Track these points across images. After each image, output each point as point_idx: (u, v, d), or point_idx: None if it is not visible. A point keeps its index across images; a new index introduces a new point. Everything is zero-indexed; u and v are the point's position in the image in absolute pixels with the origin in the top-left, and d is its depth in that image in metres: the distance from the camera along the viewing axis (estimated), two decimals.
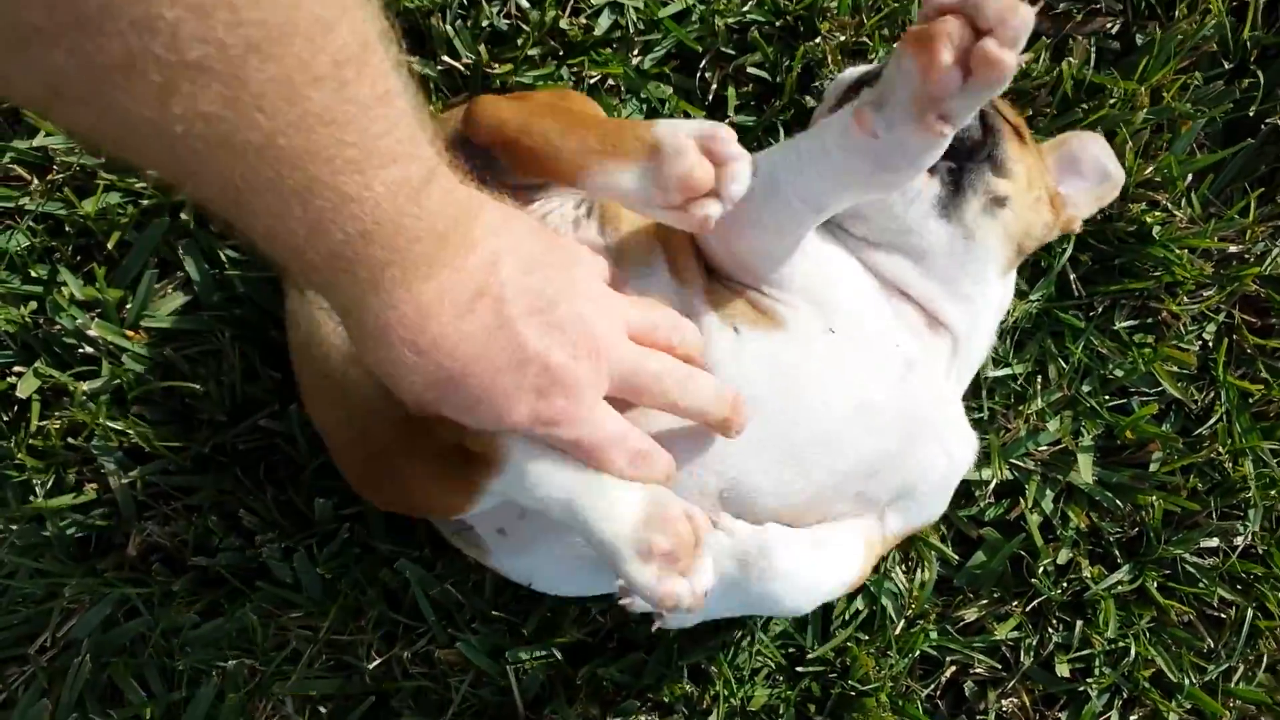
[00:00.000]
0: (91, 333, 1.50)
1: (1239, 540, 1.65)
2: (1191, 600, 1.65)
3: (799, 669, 1.55)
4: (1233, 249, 1.71)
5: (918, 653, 1.57)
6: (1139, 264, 1.67)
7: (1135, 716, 1.63)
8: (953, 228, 1.26)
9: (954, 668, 1.60)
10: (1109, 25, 1.75)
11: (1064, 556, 1.62)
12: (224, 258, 1.54)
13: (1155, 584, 1.63)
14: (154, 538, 1.49)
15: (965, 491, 1.61)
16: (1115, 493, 1.64)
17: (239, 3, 0.66)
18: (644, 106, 1.64)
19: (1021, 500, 1.61)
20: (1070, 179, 1.46)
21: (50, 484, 1.49)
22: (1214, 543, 1.65)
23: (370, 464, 1.25)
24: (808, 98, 1.64)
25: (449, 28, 1.60)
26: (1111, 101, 1.69)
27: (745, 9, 1.66)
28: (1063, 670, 1.60)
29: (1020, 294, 1.65)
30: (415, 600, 1.50)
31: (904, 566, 1.59)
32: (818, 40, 1.64)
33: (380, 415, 1.20)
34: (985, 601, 1.61)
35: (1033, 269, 1.67)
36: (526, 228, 1.05)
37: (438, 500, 1.19)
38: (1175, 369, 1.67)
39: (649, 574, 1.05)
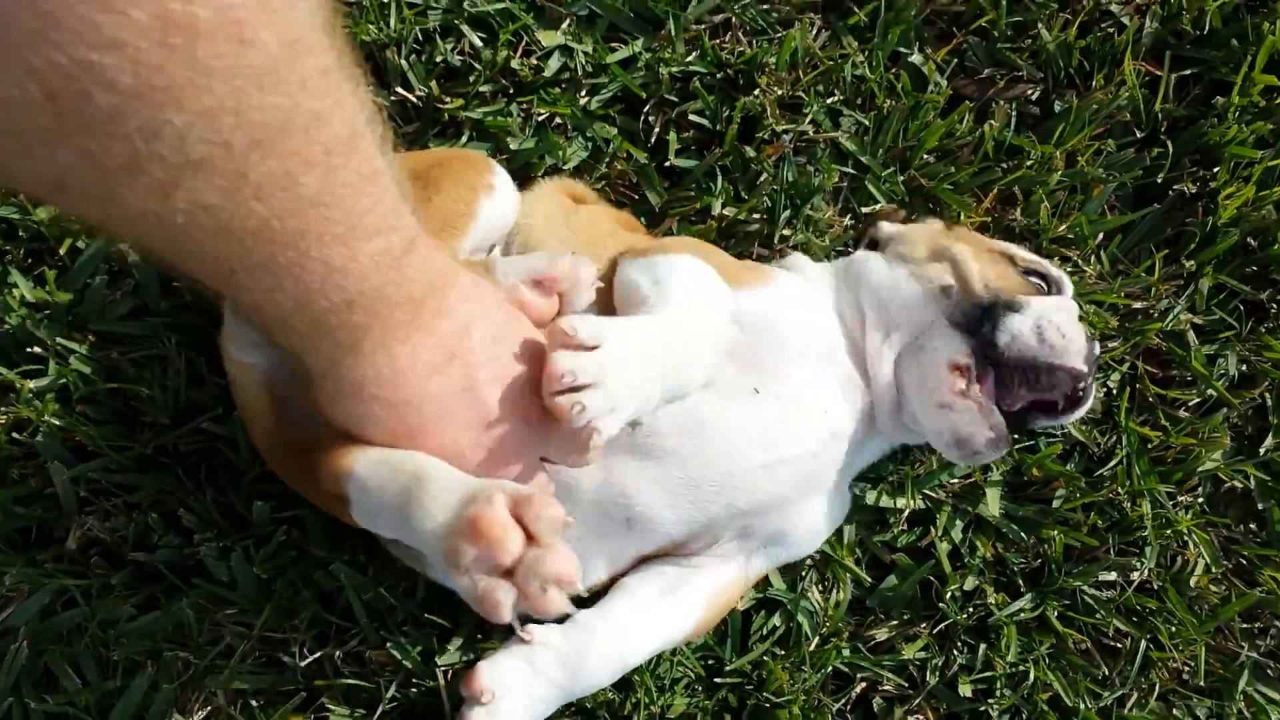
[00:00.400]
0: (40, 333, 1.54)
1: (1135, 575, 1.73)
2: (1089, 629, 1.73)
3: (717, 680, 1.61)
4: (1138, 305, 1.82)
5: (830, 668, 1.63)
6: None
7: None
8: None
9: (864, 684, 1.66)
10: (1030, 91, 1.87)
11: (970, 583, 1.70)
12: None
13: (1055, 613, 1.71)
14: (94, 532, 1.52)
15: (880, 518, 1.70)
16: (1020, 525, 1.72)
17: (244, 105, 0.70)
18: (589, 145, 1.73)
19: (932, 529, 1.69)
20: None
21: None
22: (1112, 576, 1.74)
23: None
24: (748, 148, 1.74)
25: (404, 61, 1.68)
26: (1029, 163, 1.80)
27: (689, 60, 1.75)
28: (965, 690, 1.67)
29: None
30: (348, 602, 1.54)
31: (820, 586, 1.66)
32: (756, 94, 1.74)
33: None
34: (895, 622, 1.67)
35: None
36: (496, 299, 1.12)
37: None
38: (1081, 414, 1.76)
39: (463, 579, 0.98)
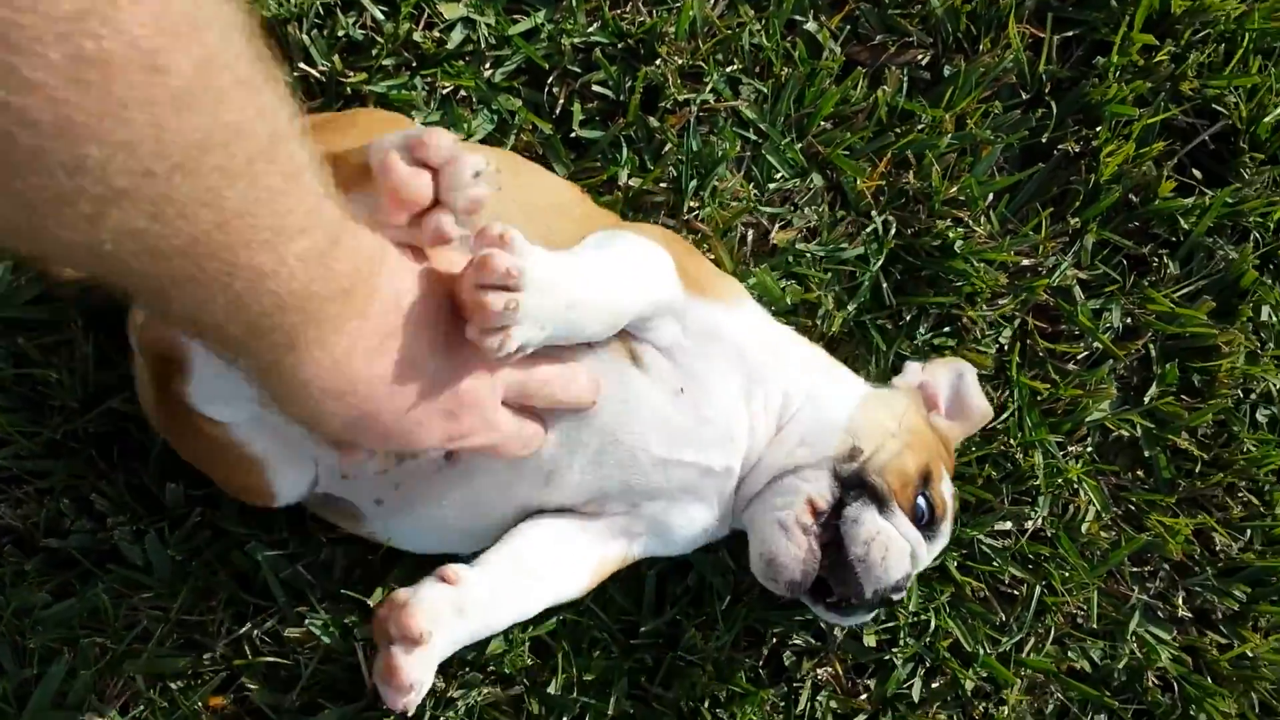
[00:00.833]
0: None
1: (1029, 524, 1.81)
2: (986, 578, 1.81)
3: (633, 641, 1.66)
4: (1026, 262, 1.88)
5: (741, 626, 1.69)
6: (943, 275, 1.83)
7: (936, 684, 1.78)
8: None
9: (775, 640, 1.72)
10: (920, 57, 1.91)
11: None
12: None
13: (954, 563, 1.78)
14: (5, 520, 1.51)
15: None
16: None
17: (162, 131, 0.70)
18: (495, 117, 1.73)
19: None
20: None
21: None
22: (1007, 526, 1.81)
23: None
24: (651, 118, 1.76)
25: (305, 36, 1.67)
26: (920, 127, 1.85)
27: (590, 30, 1.76)
28: (870, 641, 1.73)
29: (839, 303, 1.80)
30: (265, 581, 1.55)
31: (729, 549, 1.71)
32: (657, 64, 1.76)
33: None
34: None
35: (848, 281, 1.82)
36: (422, 266, 1.12)
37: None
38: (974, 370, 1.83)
39: None
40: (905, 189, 1.85)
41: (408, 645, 1.25)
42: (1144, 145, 1.94)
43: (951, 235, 1.81)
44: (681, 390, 1.40)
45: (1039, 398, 1.86)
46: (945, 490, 1.52)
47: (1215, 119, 2.01)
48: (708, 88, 1.78)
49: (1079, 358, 1.90)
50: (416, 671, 1.25)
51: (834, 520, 1.40)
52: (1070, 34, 1.96)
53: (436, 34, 1.71)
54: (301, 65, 1.67)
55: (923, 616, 1.76)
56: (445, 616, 1.31)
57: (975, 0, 1.92)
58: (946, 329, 1.85)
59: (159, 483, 1.54)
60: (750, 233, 1.79)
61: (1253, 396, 1.98)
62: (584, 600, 1.60)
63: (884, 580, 1.38)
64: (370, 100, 1.68)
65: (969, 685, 1.77)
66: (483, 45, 1.72)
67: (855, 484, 1.42)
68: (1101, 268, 1.91)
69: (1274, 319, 1.99)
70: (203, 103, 0.73)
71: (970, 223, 1.85)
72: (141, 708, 1.53)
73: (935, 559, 1.58)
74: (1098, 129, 1.93)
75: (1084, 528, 1.84)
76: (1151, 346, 1.93)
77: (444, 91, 1.71)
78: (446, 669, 1.59)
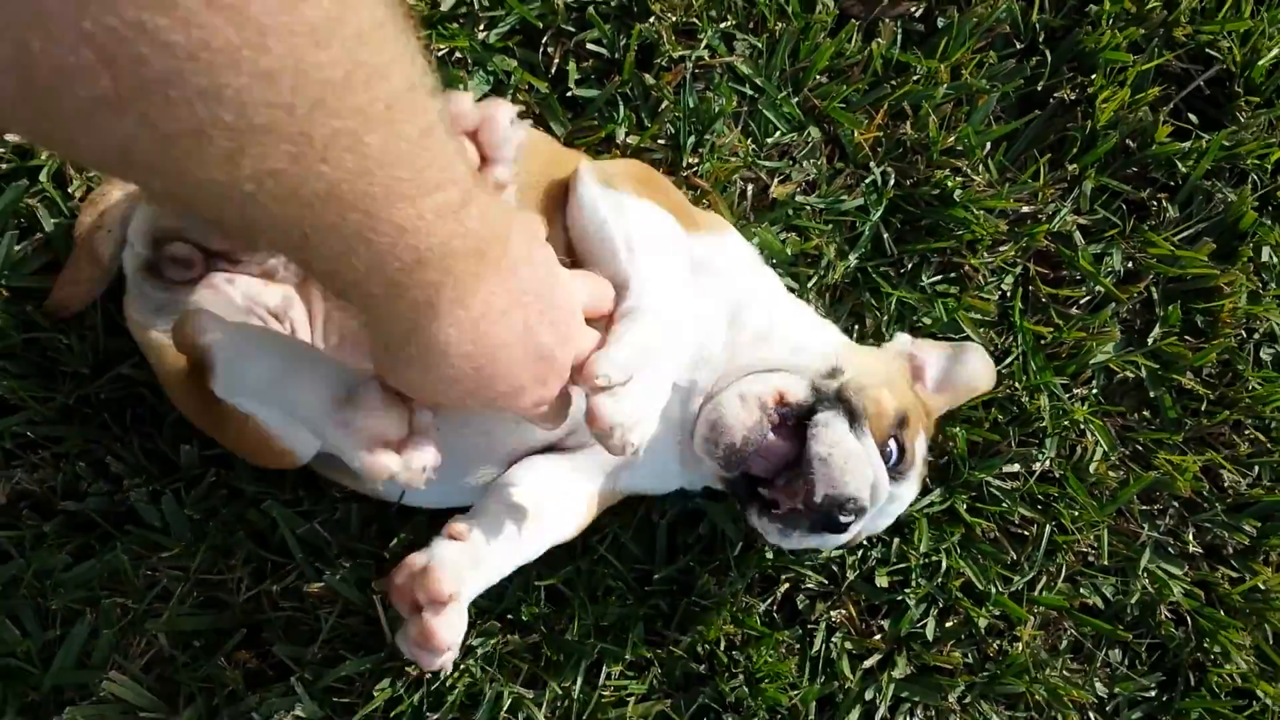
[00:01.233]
0: None
1: (1037, 465, 1.83)
2: (996, 519, 1.83)
3: (647, 588, 1.67)
4: (1026, 209, 1.90)
5: (754, 572, 1.71)
6: (943, 224, 1.85)
7: (950, 622, 1.79)
8: None
9: (788, 584, 1.74)
10: (914, 9, 1.93)
11: None
12: None
13: (964, 505, 1.80)
14: (22, 484, 1.53)
15: None
16: None
17: (302, 64, 0.69)
18: (490, 78, 1.74)
19: None
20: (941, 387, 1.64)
21: None
22: (1015, 468, 1.83)
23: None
24: (647, 75, 1.77)
25: None
26: (916, 78, 1.87)
27: None
28: (883, 582, 1.75)
29: (840, 254, 1.81)
30: (283, 538, 1.57)
31: None
32: (651, 21, 1.77)
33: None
34: None
35: (849, 231, 1.83)
36: (531, 232, 1.11)
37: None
38: (977, 316, 1.85)
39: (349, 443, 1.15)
40: (903, 140, 1.86)
41: (437, 608, 1.26)
42: (1139, 91, 1.96)
43: (950, 184, 1.83)
44: None
45: (1043, 342, 1.87)
46: (919, 445, 1.51)
47: (1209, 64, 2.02)
48: (702, 44, 1.79)
49: (1081, 302, 1.92)
50: (452, 632, 1.26)
51: (803, 421, 1.37)
52: None
53: None
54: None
55: (934, 557, 1.77)
56: (466, 572, 1.32)
57: None
58: (952, 274, 1.87)
59: (173, 445, 1.56)
60: (749, 187, 1.80)
61: (1256, 336, 1.98)
62: (634, 548, 1.64)
63: (839, 488, 1.33)
64: None
65: (982, 623, 1.78)
66: (477, 6, 1.74)
67: (832, 398, 1.40)
68: (1101, 212, 1.93)
69: (1274, 259, 2.00)
70: (342, 39, 0.72)
71: (969, 171, 1.87)
72: (164, 666, 1.55)
73: (890, 519, 1.53)
74: (1092, 76, 1.94)
75: (1092, 468, 1.85)
76: (1153, 289, 1.94)
77: (439, 54, 1.72)
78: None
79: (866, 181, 1.84)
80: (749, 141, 1.81)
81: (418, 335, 0.98)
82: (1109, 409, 1.90)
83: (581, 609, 1.63)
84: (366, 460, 1.13)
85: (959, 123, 1.89)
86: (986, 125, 1.91)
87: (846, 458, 1.34)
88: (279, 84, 0.68)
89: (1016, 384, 1.83)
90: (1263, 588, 1.91)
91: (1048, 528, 1.82)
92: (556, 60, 1.77)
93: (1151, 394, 1.92)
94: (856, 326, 1.82)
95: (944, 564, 1.76)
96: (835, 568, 1.74)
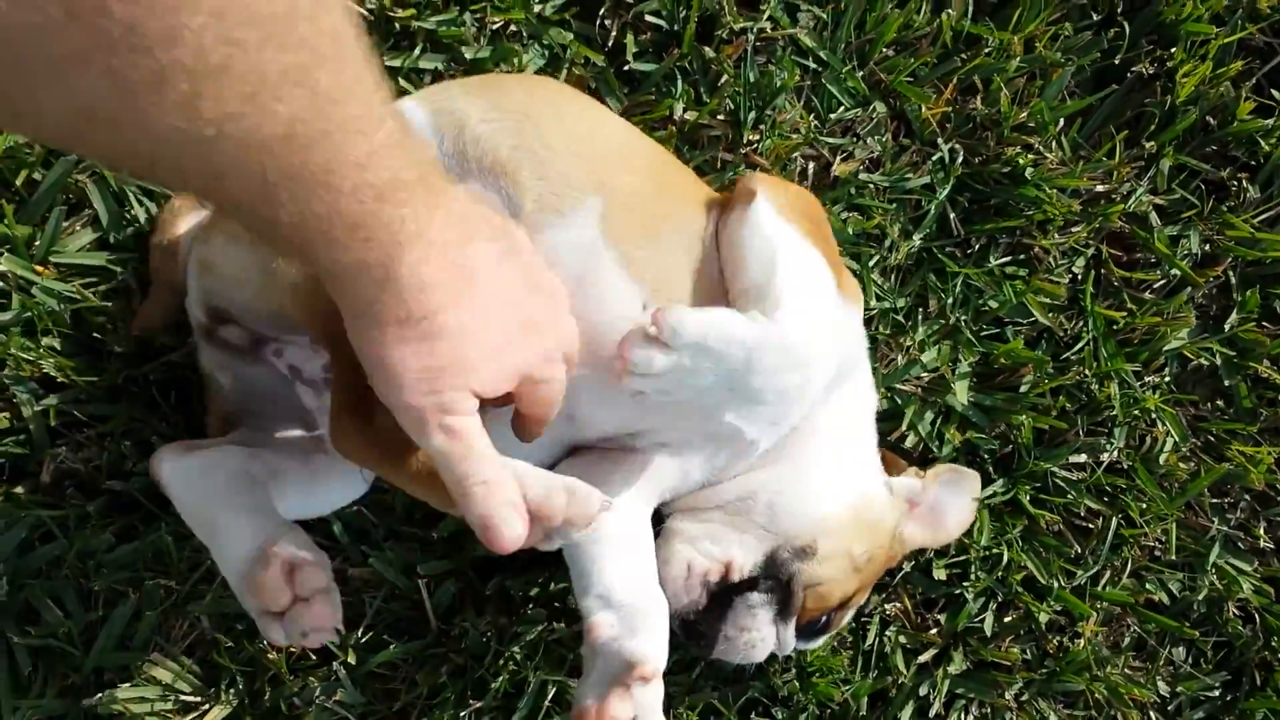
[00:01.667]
0: (1, 267, 1.52)
1: (1105, 456, 1.77)
2: (1061, 510, 1.77)
3: None
4: (1100, 188, 1.82)
5: None
6: (1013, 204, 1.78)
7: (1009, 617, 1.74)
8: None
9: None
10: None
11: None
12: (131, 195, 1.57)
13: (1027, 496, 1.74)
14: (67, 464, 1.52)
15: None
16: (988, 413, 1.74)
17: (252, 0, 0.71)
18: (546, 52, 1.70)
19: (902, 423, 1.71)
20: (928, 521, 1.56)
21: None
22: (1082, 458, 1.77)
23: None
24: (707, 48, 1.71)
25: None
26: (987, 51, 1.79)
27: None
28: (940, 575, 1.70)
29: (904, 233, 1.75)
30: (327, 521, 1.55)
31: None
32: None
33: None
34: None
35: (914, 210, 1.77)
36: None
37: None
38: (1046, 300, 1.78)
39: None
40: (972, 115, 1.79)
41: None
42: (1221, 65, 1.87)
43: (1021, 162, 1.76)
44: None
45: (1115, 327, 1.80)
46: (849, 614, 1.51)
47: None
48: (765, 15, 1.73)
49: (1156, 286, 1.85)
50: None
51: (733, 593, 1.38)
52: None
53: None
54: (349, 3, 1.64)
55: (995, 550, 1.72)
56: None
57: None
58: (1021, 256, 1.80)
59: None
60: (811, 165, 1.75)
61: None
62: None
63: (731, 660, 1.41)
64: (419, 37, 1.65)
65: (1043, 618, 1.73)
66: None
67: (779, 578, 1.39)
68: (1179, 192, 1.85)
69: None
70: None
71: (1041, 149, 1.80)
72: (206, 648, 1.54)
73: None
74: (1172, 49, 1.86)
75: (1162, 459, 1.79)
76: (1231, 273, 1.87)
77: (494, 27, 1.68)
78: (510, 605, 1.59)
79: (933, 159, 1.78)
80: (811, 117, 1.75)
81: (389, 270, 0.96)
82: (1181, 398, 1.83)
83: None
84: (262, 628, 1.23)
85: (1031, 98, 1.81)
86: (1060, 100, 1.84)
87: (751, 648, 1.40)
88: (229, 20, 0.70)
89: (1086, 371, 1.77)
90: None
91: (1114, 520, 1.76)
92: (614, 33, 1.72)
93: (1226, 383, 1.85)
94: (920, 309, 1.76)
95: (1005, 557, 1.71)
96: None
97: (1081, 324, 1.80)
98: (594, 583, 1.29)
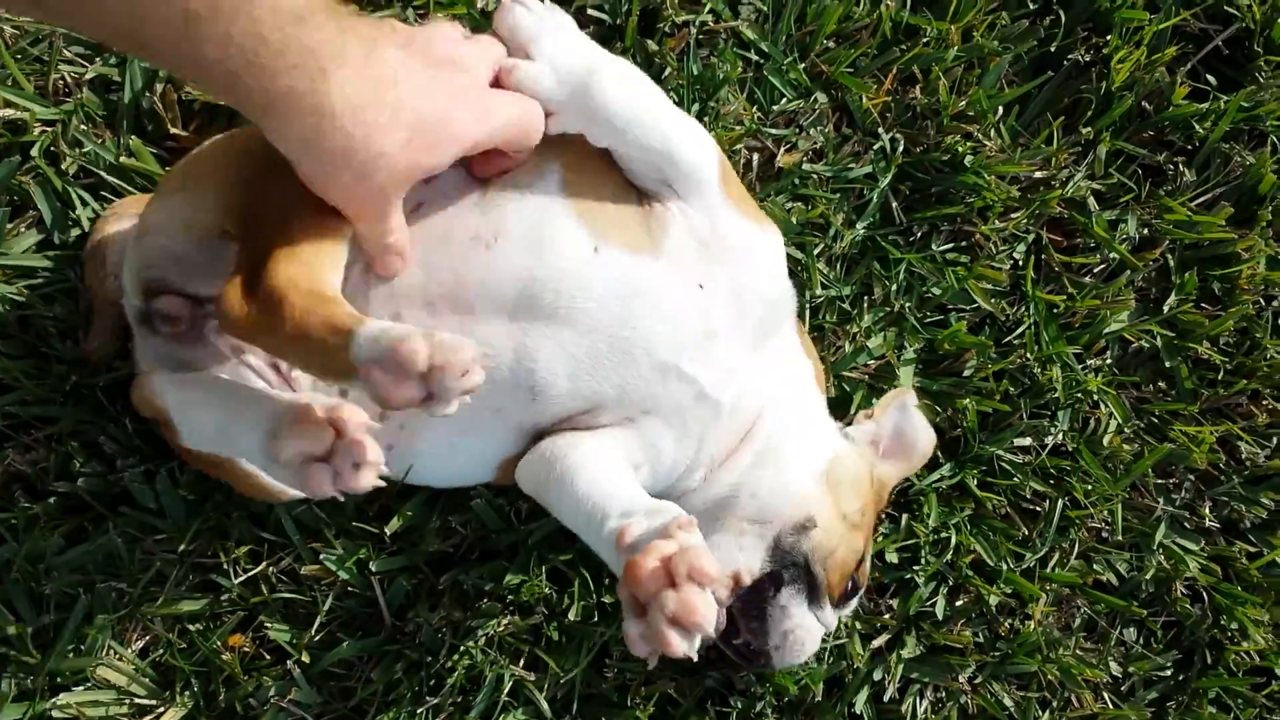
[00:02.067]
0: None
1: (1049, 439, 1.79)
2: (1007, 493, 1.79)
3: None
4: (1039, 174, 1.85)
5: None
6: (953, 191, 1.80)
7: (960, 601, 1.76)
8: None
9: None
10: None
11: None
12: (75, 197, 1.56)
13: (974, 480, 1.76)
14: (14, 466, 1.50)
15: None
16: (934, 399, 1.77)
17: None
18: None
19: (852, 409, 1.72)
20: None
21: None
22: (1026, 441, 1.79)
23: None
24: (649, 41, 1.72)
25: None
26: (926, 41, 1.82)
27: None
28: (892, 557, 1.72)
29: (848, 222, 1.77)
30: (279, 519, 1.55)
31: None
32: None
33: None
34: None
35: (857, 200, 1.79)
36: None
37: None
38: (988, 285, 1.81)
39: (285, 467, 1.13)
40: (912, 105, 1.82)
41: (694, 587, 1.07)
42: (1156, 51, 1.90)
43: (961, 150, 1.78)
44: (701, 286, 1.35)
45: (1056, 311, 1.83)
46: (867, 564, 1.52)
47: (1228, 22, 1.96)
48: (706, 8, 1.75)
49: (1095, 269, 1.88)
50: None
51: (762, 600, 1.38)
52: None
53: None
54: None
55: (943, 534, 1.74)
56: None
57: None
58: (963, 243, 1.82)
59: None
60: (755, 156, 1.76)
61: (1275, 303, 1.94)
62: None
63: (792, 663, 1.41)
64: None
65: (994, 601, 1.75)
66: None
67: (795, 565, 1.39)
68: (1116, 177, 1.88)
69: None
70: None
71: (980, 136, 1.82)
72: (161, 650, 1.54)
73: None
74: (1108, 36, 1.89)
75: (1105, 441, 1.82)
76: (1169, 256, 1.90)
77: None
78: (464, 600, 1.59)
79: (875, 148, 1.79)
80: (754, 109, 1.76)
81: (325, 109, 1.04)
82: (1123, 380, 1.86)
83: (583, 589, 1.60)
84: (304, 485, 1.11)
85: (970, 87, 1.83)
86: (998, 89, 1.86)
87: (801, 644, 1.40)
88: None
89: (1029, 355, 1.79)
90: None
91: (1060, 502, 1.78)
92: None
93: (1167, 364, 1.88)
94: (866, 297, 1.78)
95: (954, 540, 1.73)
96: None
97: (1023, 308, 1.82)
98: (609, 513, 1.23)
